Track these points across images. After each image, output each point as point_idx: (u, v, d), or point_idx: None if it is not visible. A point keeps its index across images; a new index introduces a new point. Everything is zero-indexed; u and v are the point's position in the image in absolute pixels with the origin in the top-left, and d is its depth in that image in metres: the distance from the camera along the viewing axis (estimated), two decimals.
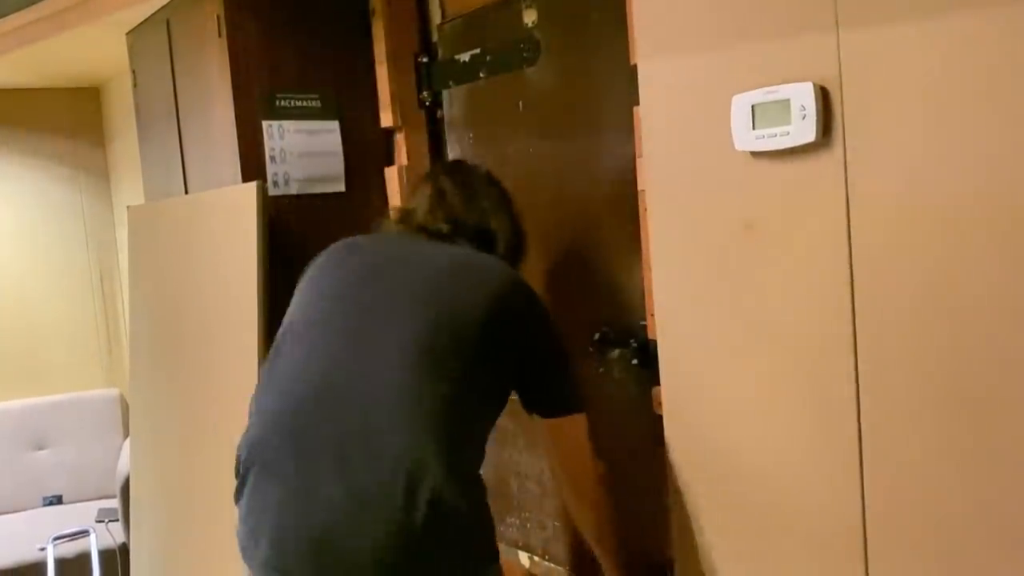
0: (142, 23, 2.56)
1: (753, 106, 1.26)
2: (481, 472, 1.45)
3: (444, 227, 1.64)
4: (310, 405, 1.40)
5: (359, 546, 1.31)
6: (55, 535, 3.04)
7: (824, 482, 1.29)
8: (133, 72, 2.69)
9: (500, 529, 2.19)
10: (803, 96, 1.19)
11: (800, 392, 1.30)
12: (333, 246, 1.66)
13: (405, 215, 1.70)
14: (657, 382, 1.55)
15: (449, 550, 1.35)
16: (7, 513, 3.43)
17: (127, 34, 2.68)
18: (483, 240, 1.65)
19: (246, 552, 1.42)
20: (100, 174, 3.83)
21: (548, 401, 1.58)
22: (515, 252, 1.70)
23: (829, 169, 1.20)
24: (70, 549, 3.03)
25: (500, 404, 1.54)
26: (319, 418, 1.38)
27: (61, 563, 2.98)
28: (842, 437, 1.25)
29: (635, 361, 1.71)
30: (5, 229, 3.69)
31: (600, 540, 1.69)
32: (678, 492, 1.53)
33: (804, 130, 1.20)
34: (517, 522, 2.16)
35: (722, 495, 1.44)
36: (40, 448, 3.57)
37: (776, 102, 1.23)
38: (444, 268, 1.53)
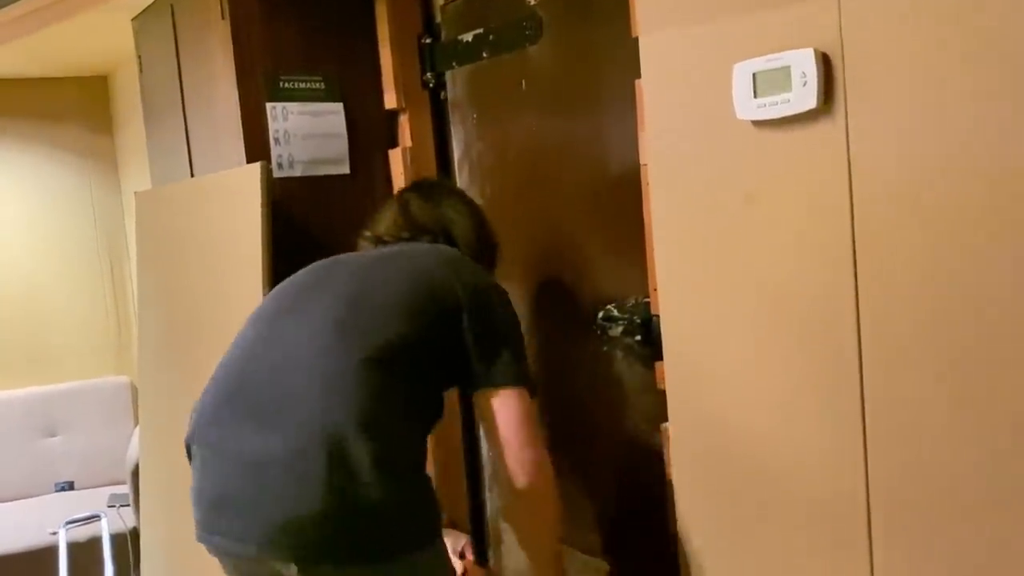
0: (147, 8, 2.57)
1: (754, 74, 1.25)
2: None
3: (405, 235, 1.68)
4: (236, 377, 1.47)
5: (269, 506, 1.34)
6: (67, 520, 3.06)
7: (828, 456, 1.28)
8: (139, 58, 2.69)
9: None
10: (804, 62, 1.18)
11: (803, 364, 1.29)
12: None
13: (373, 233, 1.74)
14: (660, 358, 1.55)
15: (356, 519, 1.33)
16: (20, 499, 3.46)
17: (132, 20, 2.68)
18: (444, 242, 1.68)
19: (194, 516, 1.50)
20: (109, 162, 3.85)
21: (486, 374, 1.46)
22: (480, 257, 1.69)
23: (831, 136, 1.19)
24: (82, 533, 3.05)
25: (434, 386, 1.49)
26: (243, 387, 1.45)
27: (73, 547, 3.00)
28: (846, 409, 1.24)
29: (638, 338, 1.71)
30: (15, 218, 3.71)
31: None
32: (682, 468, 1.52)
33: (805, 97, 1.19)
34: None
35: (726, 470, 1.44)
36: (52, 435, 3.60)
37: (777, 69, 1.22)
38: (382, 255, 1.61)
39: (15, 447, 3.51)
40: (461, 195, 1.81)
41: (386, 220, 1.74)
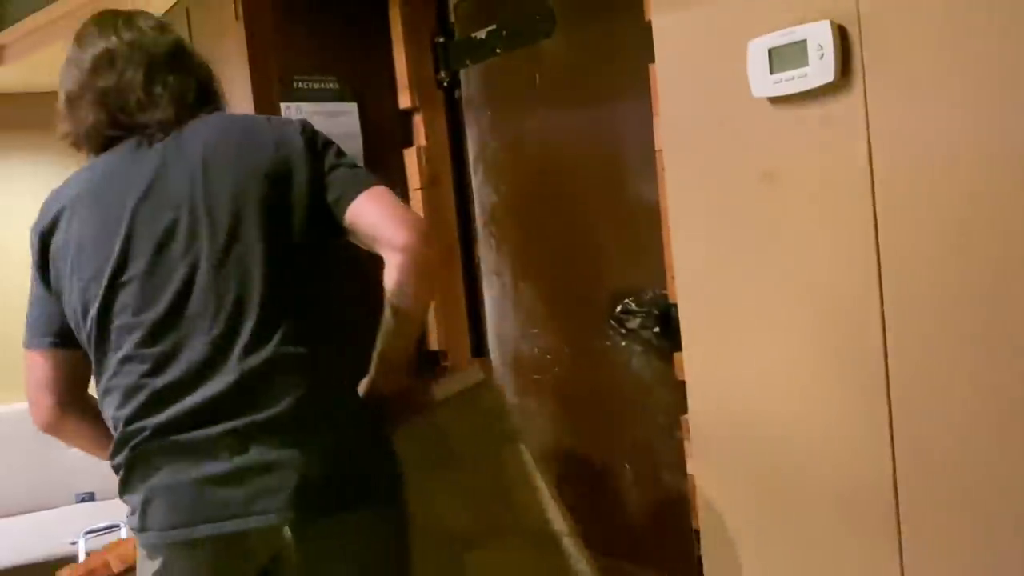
0: (163, 15, 2.58)
1: (770, 50, 1.22)
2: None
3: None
4: None
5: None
6: (86, 529, 3.06)
7: (853, 444, 1.24)
8: None
9: None
10: (820, 35, 1.16)
11: (826, 348, 1.26)
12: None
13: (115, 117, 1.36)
14: (679, 349, 1.52)
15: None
16: (41, 510, 3.46)
17: None
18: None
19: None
20: None
21: (354, 182, 1.31)
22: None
23: (850, 110, 1.16)
24: (100, 543, 3.04)
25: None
26: None
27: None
28: (871, 396, 1.20)
29: (656, 330, 1.67)
30: (26, 233, 3.72)
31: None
32: (702, 460, 1.49)
33: (823, 70, 1.16)
34: None
35: (748, 460, 1.40)
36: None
37: (793, 44, 1.19)
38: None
39: (36, 458, 3.51)
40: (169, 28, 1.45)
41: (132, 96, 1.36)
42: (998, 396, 1.06)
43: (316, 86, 2.17)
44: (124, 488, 1.25)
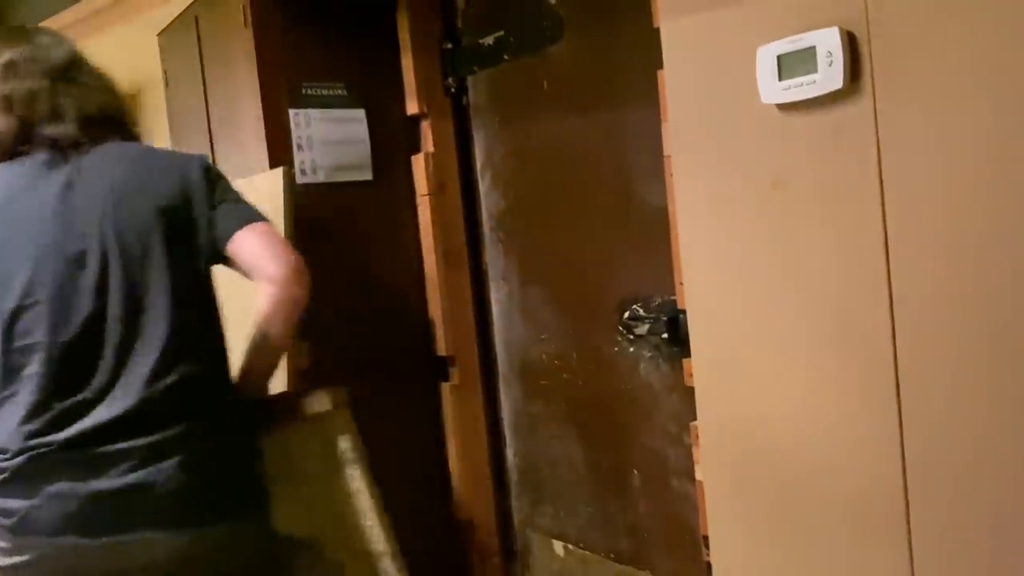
0: (172, 22, 2.59)
1: (778, 57, 1.22)
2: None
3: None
4: None
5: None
6: None
7: (863, 448, 1.23)
8: (164, 72, 2.72)
9: (534, 518, 2.16)
10: (829, 42, 1.16)
11: (836, 355, 1.26)
12: None
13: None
14: (688, 355, 1.51)
15: None
16: None
17: (158, 35, 2.71)
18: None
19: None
20: None
21: (237, 216, 1.42)
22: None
23: (859, 116, 1.16)
24: None
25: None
26: None
27: None
28: (881, 401, 1.20)
29: (665, 336, 1.67)
30: None
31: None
32: (711, 466, 1.48)
33: (832, 77, 1.16)
34: (551, 510, 2.12)
35: (757, 466, 1.40)
36: None
37: (802, 50, 1.19)
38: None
39: None
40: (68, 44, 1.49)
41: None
42: (1010, 404, 1.06)
43: (324, 92, 2.17)
44: (3, 489, 1.31)
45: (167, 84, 2.72)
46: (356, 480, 1.60)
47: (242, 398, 1.45)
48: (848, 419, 1.25)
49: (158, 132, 3.54)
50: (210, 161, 1.48)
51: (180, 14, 2.51)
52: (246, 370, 1.46)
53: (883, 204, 1.16)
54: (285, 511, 1.45)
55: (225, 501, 1.35)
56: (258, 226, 1.43)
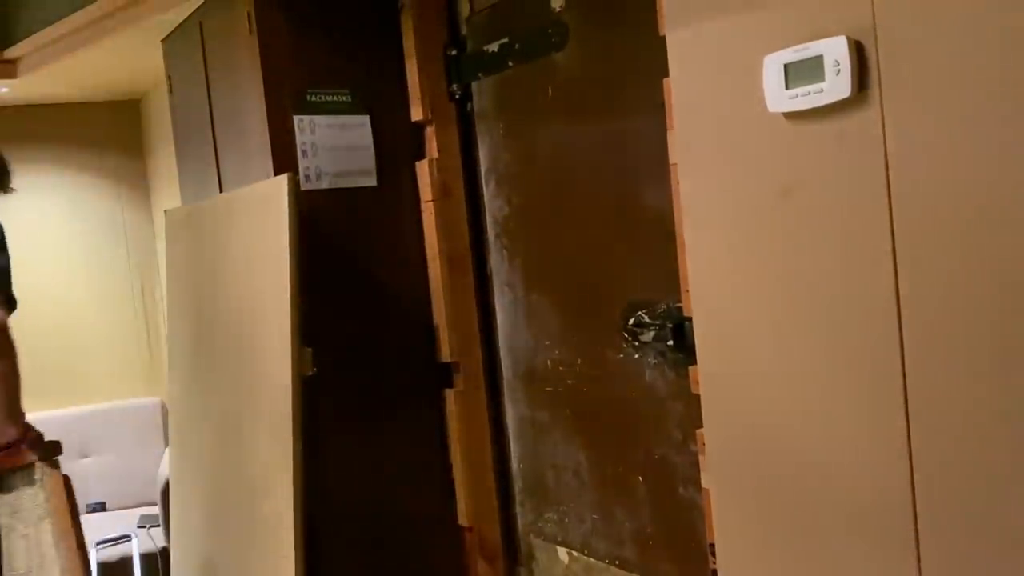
0: (176, 28, 2.60)
1: (785, 65, 1.22)
2: None
3: None
4: None
5: None
6: (98, 540, 3.06)
7: (871, 457, 1.23)
8: (168, 78, 2.72)
9: (538, 525, 2.16)
10: (836, 50, 1.16)
11: (843, 363, 1.25)
12: None
13: None
14: (694, 362, 1.51)
15: None
16: None
17: (162, 41, 2.71)
18: None
19: None
20: (140, 186, 3.89)
21: None
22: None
23: (866, 125, 1.16)
24: (112, 553, 3.05)
25: None
26: None
27: (103, 567, 3.00)
28: (888, 409, 1.19)
29: (670, 342, 1.67)
30: (48, 242, 3.75)
31: None
32: (718, 473, 1.48)
33: (839, 86, 1.16)
34: (555, 517, 2.12)
35: (764, 475, 1.39)
36: (84, 456, 3.61)
37: (809, 59, 1.19)
38: None
39: None
40: None
41: None
42: (1020, 413, 1.05)
43: (329, 99, 2.18)
44: None
45: (171, 90, 2.72)
46: (51, 528, 1.89)
47: None
48: (856, 428, 1.25)
49: (162, 138, 3.55)
50: None
51: (184, 20, 2.52)
52: None
53: (891, 213, 1.16)
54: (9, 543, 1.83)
55: None
56: None
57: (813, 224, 1.25)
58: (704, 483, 1.52)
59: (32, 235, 3.73)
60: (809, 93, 1.19)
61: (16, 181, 3.64)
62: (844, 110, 1.18)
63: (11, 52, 2.97)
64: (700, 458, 1.53)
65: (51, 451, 1.88)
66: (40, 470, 1.86)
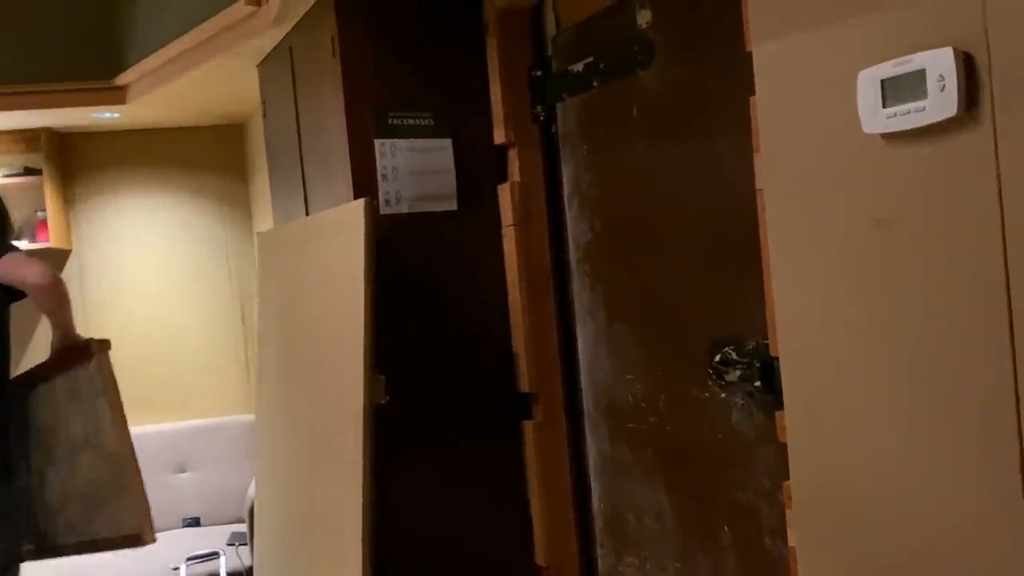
0: (269, 53, 2.63)
1: (882, 81, 1.10)
2: None
3: None
4: None
5: None
6: (188, 555, 3.11)
7: (980, 522, 1.08)
8: (263, 103, 2.76)
9: (619, 569, 2.04)
10: (941, 64, 1.02)
11: (948, 414, 1.11)
12: None
13: None
14: (782, 406, 1.38)
15: None
16: None
17: (257, 66, 2.76)
18: None
19: None
20: (243, 207, 3.99)
21: None
22: None
23: (976, 147, 1.02)
24: (201, 571, 3.09)
25: None
26: None
27: None
28: (1002, 467, 1.04)
29: (758, 383, 1.54)
30: (155, 261, 3.89)
31: None
32: (805, 532, 1.34)
33: (944, 103, 1.03)
34: (636, 562, 2.00)
35: (857, 536, 1.25)
36: (182, 471, 3.70)
37: (909, 74, 1.06)
38: None
39: (148, 481, 3.61)
40: None
41: None
42: None
43: (410, 122, 2.15)
44: None
45: (265, 114, 2.76)
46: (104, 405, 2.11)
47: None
48: (962, 489, 1.10)
49: (262, 162, 3.63)
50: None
51: (277, 45, 2.55)
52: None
53: (1004, 246, 1.01)
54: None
55: None
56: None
57: (914, 257, 1.12)
58: (791, 540, 1.38)
59: (141, 258, 3.87)
60: (909, 112, 1.07)
61: (124, 203, 3.83)
62: (949, 130, 1.04)
63: (121, 79, 3.09)
64: (787, 512, 1.40)
65: (104, 342, 2.14)
66: (96, 355, 2.08)
